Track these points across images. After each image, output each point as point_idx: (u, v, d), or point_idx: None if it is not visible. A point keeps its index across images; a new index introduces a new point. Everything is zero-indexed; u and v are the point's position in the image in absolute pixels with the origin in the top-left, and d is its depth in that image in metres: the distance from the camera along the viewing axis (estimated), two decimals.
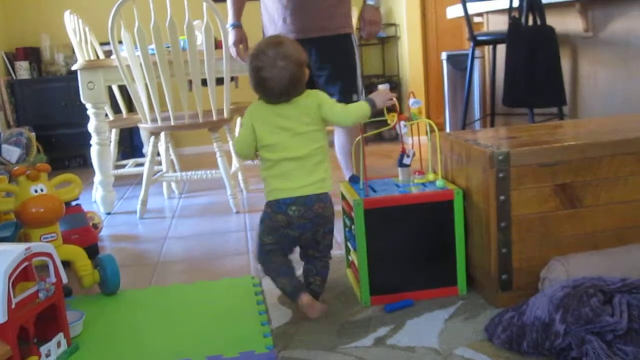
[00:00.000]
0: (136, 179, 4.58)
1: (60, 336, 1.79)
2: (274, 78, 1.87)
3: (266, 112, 1.94)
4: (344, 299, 2.08)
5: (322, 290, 2.03)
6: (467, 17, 3.91)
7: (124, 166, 4.41)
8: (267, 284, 2.27)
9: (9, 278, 1.60)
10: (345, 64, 2.87)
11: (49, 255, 1.78)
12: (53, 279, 1.78)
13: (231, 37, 3.08)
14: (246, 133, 1.95)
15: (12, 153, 4.80)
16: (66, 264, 2.10)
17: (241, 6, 3.06)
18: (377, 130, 2.56)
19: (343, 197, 2.20)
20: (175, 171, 3.95)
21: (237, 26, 3.08)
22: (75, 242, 2.43)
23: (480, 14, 4.61)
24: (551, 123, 2.76)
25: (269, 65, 1.87)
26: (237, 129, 4.28)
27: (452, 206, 1.99)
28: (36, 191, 2.17)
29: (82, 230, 2.53)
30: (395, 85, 5.97)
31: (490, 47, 4.43)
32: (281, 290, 1.99)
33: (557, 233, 1.89)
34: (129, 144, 5.61)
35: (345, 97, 2.80)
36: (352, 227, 2.06)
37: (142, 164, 3.68)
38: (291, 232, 1.96)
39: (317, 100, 1.95)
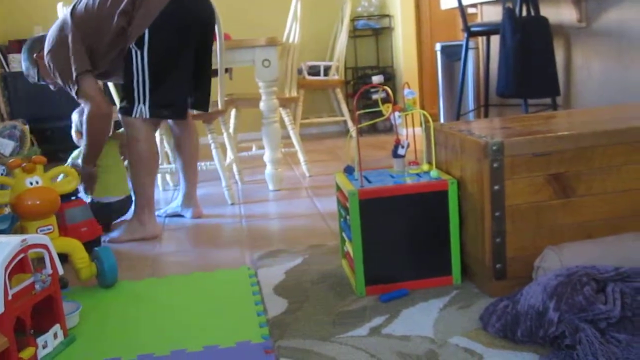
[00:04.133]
0: None
1: (56, 327, 1.80)
2: None
3: None
4: (339, 289, 2.09)
5: None
6: (461, 8, 3.92)
7: None
8: (263, 274, 2.29)
9: (6, 269, 1.60)
10: (123, 78, 2.86)
11: (45, 246, 1.79)
12: (49, 271, 1.79)
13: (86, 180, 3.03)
14: None
15: (6, 146, 4.78)
16: (64, 257, 2.11)
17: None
18: (372, 121, 2.56)
19: (338, 188, 2.21)
20: (169, 163, 3.95)
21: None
22: (84, 234, 2.45)
23: (474, 5, 4.62)
24: (545, 113, 2.77)
25: None
26: (232, 121, 4.28)
27: (446, 196, 2.00)
28: (31, 184, 2.17)
29: (88, 223, 2.54)
30: (390, 77, 5.97)
31: (484, 38, 4.44)
32: None
33: (551, 222, 1.91)
34: None
35: (120, 103, 2.92)
36: (347, 217, 2.07)
37: None
38: None
39: None
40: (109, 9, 2.77)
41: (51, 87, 3.00)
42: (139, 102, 2.81)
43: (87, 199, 3.14)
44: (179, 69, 2.87)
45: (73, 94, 2.85)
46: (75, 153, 3.20)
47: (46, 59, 2.85)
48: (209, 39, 3.02)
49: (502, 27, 3.52)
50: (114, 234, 2.92)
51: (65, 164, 3.08)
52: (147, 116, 2.83)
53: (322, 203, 3.35)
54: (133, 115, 2.82)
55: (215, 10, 3.02)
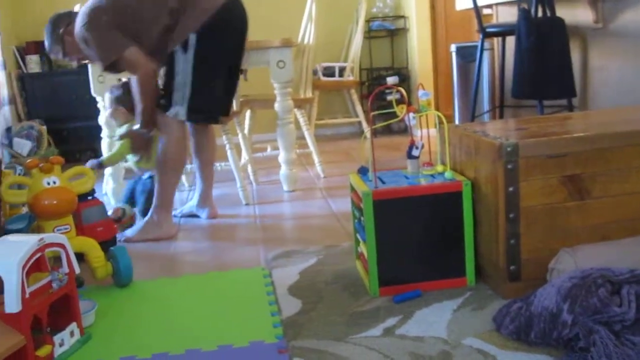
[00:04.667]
0: None
1: (73, 326, 1.82)
2: None
3: None
4: (353, 290, 2.09)
5: None
6: (477, 9, 3.91)
7: None
8: (277, 274, 2.30)
9: (23, 268, 1.62)
10: (165, 79, 2.88)
11: (62, 246, 1.80)
12: (66, 270, 1.81)
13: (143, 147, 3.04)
14: None
15: (23, 146, 4.84)
16: (80, 256, 2.13)
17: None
18: (386, 122, 2.57)
19: (352, 189, 2.21)
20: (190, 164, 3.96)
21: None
22: (100, 234, 2.47)
23: (489, 6, 4.60)
24: (560, 114, 2.76)
25: None
26: (246, 122, 4.29)
27: (460, 197, 2.00)
28: (49, 183, 2.19)
29: (104, 223, 2.57)
30: (404, 78, 5.96)
31: (500, 38, 4.42)
32: None
33: (566, 224, 1.90)
34: None
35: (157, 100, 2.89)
36: (361, 218, 2.07)
37: None
38: None
39: None
40: (154, 1, 2.79)
41: (74, 62, 3.00)
42: (176, 104, 2.84)
43: (145, 175, 3.17)
44: (219, 76, 2.90)
45: (100, 68, 2.88)
46: (123, 127, 3.22)
47: (81, 36, 2.80)
48: (243, 46, 3.05)
49: (517, 28, 3.51)
50: (129, 233, 2.94)
51: (120, 134, 3.08)
52: (184, 119, 2.86)
53: (337, 204, 3.35)
54: (168, 115, 2.85)
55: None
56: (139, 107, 2.87)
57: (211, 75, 2.87)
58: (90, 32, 2.78)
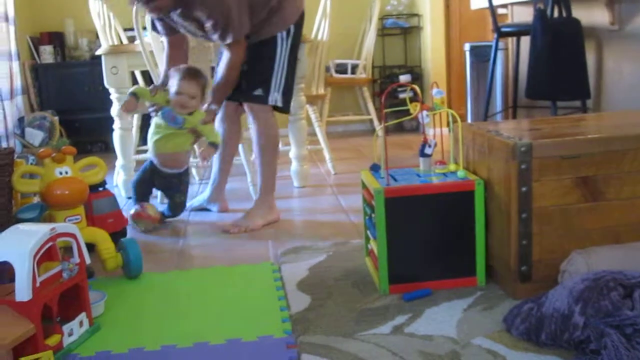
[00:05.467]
0: None
1: (82, 316, 1.82)
2: None
3: None
4: (363, 287, 2.09)
5: None
6: (492, 8, 3.89)
7: (145, 151, 4.44)
8: (286, 270, 2.29)
9: (34, 257, 1.63)
10: (258, 64, 2.87)
11: (73, 235, 1.81)
12: (76, 260, 1.81)
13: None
14: None
15: (35, 136, 4.85)
16: (91, 247, 2.14)
17: None
18: (399, 119, 2.56)
19: (364, 186, 2.20)
20: (195, 157, 3.97)
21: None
22: (111, 225, 2.48)
23: (504, 6, 4.58)
24: (574, 116, 2.74)
25: None
26: None
27: (473, 197, 1.99)
28: (61, 173, 2.20)
29: (115, 214, 2.58)
30: (417, 76, 5.95)
31: (515, 38, 4.40)
32: None
33: (578, 226, 1.89)
34: None
35: (249, 89, 2.89)
36: (373, 215, 2.06)
37: None
38: None
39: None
40: None
41: (154, 18, 2.87)
42: (275, 90, 2.88)
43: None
44: (296, 67, 3.01)
45: (224, 40, 2.72)
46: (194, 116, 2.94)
47: (228, 2, 2.64)
48: None
49: (532, 28, 3.49)
50: (248, 223, 2.89)
51: (202, 120, 2.86)
52: (280, 104, 2.90)
53: (347, 201, 3.34)
54: (269, 103, 2.88)
55: None
56: (220, 84, 2.82)
57: (294, 66, 2.96)
58: (237, 2, 2.66)
